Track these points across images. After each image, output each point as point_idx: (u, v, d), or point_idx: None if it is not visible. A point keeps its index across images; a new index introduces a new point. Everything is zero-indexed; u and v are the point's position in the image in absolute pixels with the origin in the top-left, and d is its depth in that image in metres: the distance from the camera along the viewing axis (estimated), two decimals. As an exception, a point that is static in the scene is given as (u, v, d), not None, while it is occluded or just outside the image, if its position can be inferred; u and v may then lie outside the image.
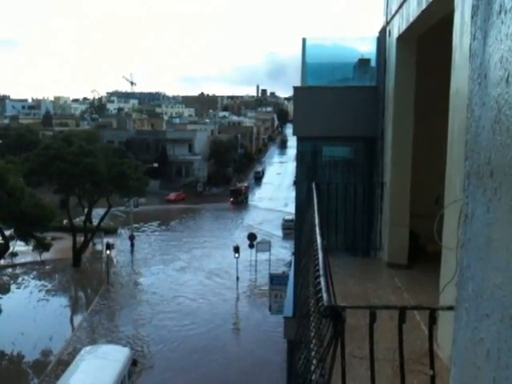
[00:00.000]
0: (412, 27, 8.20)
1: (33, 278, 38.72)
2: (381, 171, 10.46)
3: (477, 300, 1.29)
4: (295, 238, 14.19)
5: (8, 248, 32.82)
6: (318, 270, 4.62)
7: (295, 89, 11.64)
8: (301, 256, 9.91)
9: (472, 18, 1.52)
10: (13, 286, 36.75)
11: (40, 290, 36.45)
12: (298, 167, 12.83)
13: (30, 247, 35.49)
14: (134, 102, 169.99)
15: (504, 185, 1.19)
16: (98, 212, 47.03)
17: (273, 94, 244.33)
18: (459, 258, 1.47)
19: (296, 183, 14.63)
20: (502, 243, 1.18)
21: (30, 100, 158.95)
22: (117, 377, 20.05)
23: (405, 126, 9.34)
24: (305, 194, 13.00)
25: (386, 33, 10.20)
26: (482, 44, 1.39)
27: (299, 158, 12.39)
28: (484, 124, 1.34)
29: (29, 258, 40.15)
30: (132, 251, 45.14)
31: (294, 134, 11.85)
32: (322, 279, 4.16)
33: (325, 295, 3.62)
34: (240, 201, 67.21)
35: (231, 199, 66.98)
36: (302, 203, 13.35)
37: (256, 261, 38.98)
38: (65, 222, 42.86)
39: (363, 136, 11.31)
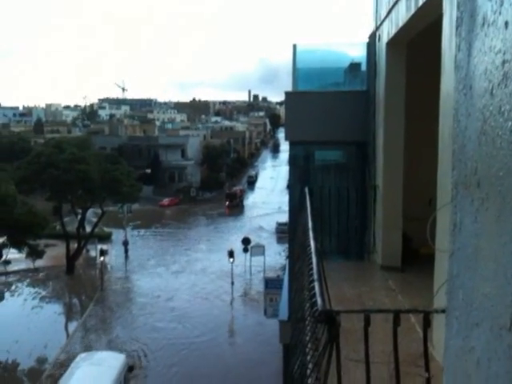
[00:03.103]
0: (401, 32, 8.25)
1: (26, 286, 38.50)
2: (373, 174, 10.50)
3: (467, 309, 1.31)
4: (289, 242, 14.21)
5: (1, 256, 32.68)
6: (312, 275, 4.61)
7: (287, 94, 11.69)
8: (295, 260, 9.94)
9: (457, 28, 1.54)
10: (6, 294, 36.46)
11: (34, 298, 36.23)
12: (290, 171, 12.87)
13: (23, 255, 35.35)
14: (125, 108, 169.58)
15: (491, 196, 1.21)
16: (89, 217, 46.93)
17: (265, 98, 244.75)
18: (449, 267, 1.49)
19: (289, 187, 14.65)
20: (489, 253, 1.19)
21: (21, 107, 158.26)
22: (113, 383, 19.97)
23: (396, 129, 9.40)
24: (298, 197, 13.02)
25: (375, 38, 10.26)
26: (466, 55, 1.41)
27: (291, 162, 12.42)
28: (470, 134, 1.36)
29: (22, 266, 39.93)
30: (126, 256, 45.00)
31: (286, 138, 11.88)
32: (316, 284, 4.15)
33: (319, 300, 3.57)
34: (235, 204, 67.21)
35: (227, 203, 66.97)
36: (295, 207, 13.38)
37: (251, 265, 38.97)
38: (58, 228, 42.66)
39: (355, 140, 11.35)
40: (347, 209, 12.09)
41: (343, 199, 12.00)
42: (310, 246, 5.99)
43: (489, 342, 1.15)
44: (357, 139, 11.22)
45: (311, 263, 5.09)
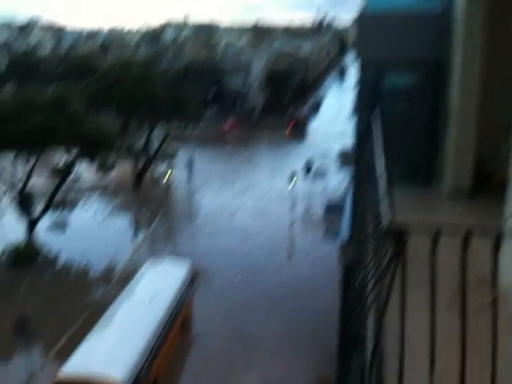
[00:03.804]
0: None
1: (97, 198, 40.48)
2: (447, 97, 10.11)
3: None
4: (354, 166, 14.08)
5: (73, 168, 34.25)
6: (379, 193, 4.61)
7: (358, 14, 11.22)
8: (360, 182, 9.90)
9: None
10: (78, 205, 38.57)
11: (104, 210, 38.15)
12: (358, 95, 12.58)
13: (94, 169, 36.90)
14: (189, 31, 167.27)
15: None
16: (155, 136, 47.92)
17: (332, 21, 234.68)
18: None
19: (356, 111, 14.37)
20: None
21: (86, 31, 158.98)
22: (178, 289, 21.08)
23: (473, 50, 8.92)
24: (365, 122, 12.78)
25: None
26: None
27: (360, 85, 12.11)
28: None
29: (92, 179, 41.84)
30: (190, 175, 46.12)
31: (356, 60, 11.54)
32: (384, 201, 4.16)
33: (387, 216, 3.62)
34: (298, 129, 66.45)
35: (289, 128, 66.44)
36: (362, 132, 13.15)
37: (311, 189, 39.16)
38: (125, 146, 43.95)
39: (428, 62, 10.89)
40: (417, 133, 11.78)
41: (413, 123, 11.68)
42: (378, 166, 5.94)
43: None
44: (431, 61, 10.76)
45: (379, 182, 5.06)
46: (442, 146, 10.26)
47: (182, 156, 50.83)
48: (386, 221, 3.52)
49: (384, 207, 3.90)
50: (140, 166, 42.46)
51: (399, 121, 11.63)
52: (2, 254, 29.06)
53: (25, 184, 31.98)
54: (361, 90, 12.29)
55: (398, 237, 3.17)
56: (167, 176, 39.93)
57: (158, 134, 49.24)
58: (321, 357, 20.21)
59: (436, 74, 10.85)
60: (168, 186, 40.49)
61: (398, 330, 3.23)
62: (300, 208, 37.77)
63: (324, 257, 28.09)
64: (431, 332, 3.10)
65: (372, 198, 6.18)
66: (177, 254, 29.91)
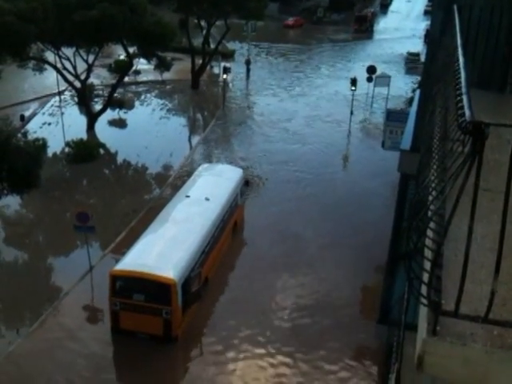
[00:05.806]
0: None
1: (154, 97, 40.29)
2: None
3: None
4: (424, 68, 13.14)
5: (132, 65, 33.98)
6: (459, 88, 4.18)
7: None
8: (432, 85, 9.16)
9: None
10: (136, 103, 38.65)
11: (161, 109, 38.06)
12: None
13: (152, 66, 36.57)
14: None
15: None
16: (214, 34, 46.58)
17: None
18: None
19: (432, 8, 13.17)
20: None
21: None
22: (230, 193, 21.28)
23: None
24: (440, 21, 11.75)
25: None
26: None
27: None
28: None
29: (150, 77, 41.66)
30: (248, 76, 45.08)
31: None
32: (464, 96, 3.85)
33: (467, 112, 3.42)
34: (364, 29, 62.69)
35: (355, 27, 62.92)
36: (436, 32, 12.14)
37: (373, 95, 37.52)
38: (184, 41, 43.10)
39: None
40: (497, 34, 10.77)
41: (495, 22, 10.66)
42: (457, 61, 5.35)
43: None
44: None
45: (459, 77, 4.57)
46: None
47: (241, 55, 49.55)
48: (465, 117, 3.31)
49: (464, 104, 3.54)
50: (198, 63, 41.63)
51: (480, 18, 10.69)
52: (64, 150, 29.78)
53: (86, 76, 32.06)
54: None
55: (479, 133, 2.91)
56: (225, 75, 39.03)
57: (217, 31, 47.93)
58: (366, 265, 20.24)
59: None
60: (226, 85, 39.73)
61: (461, 238, 3.11)
62: (360, 114, 36.45)
63: (380, 165, 27.36)
64: (499, 241, 2.97)
65: (447, 98, 5.64)
66: (231, 157, 29.89)
